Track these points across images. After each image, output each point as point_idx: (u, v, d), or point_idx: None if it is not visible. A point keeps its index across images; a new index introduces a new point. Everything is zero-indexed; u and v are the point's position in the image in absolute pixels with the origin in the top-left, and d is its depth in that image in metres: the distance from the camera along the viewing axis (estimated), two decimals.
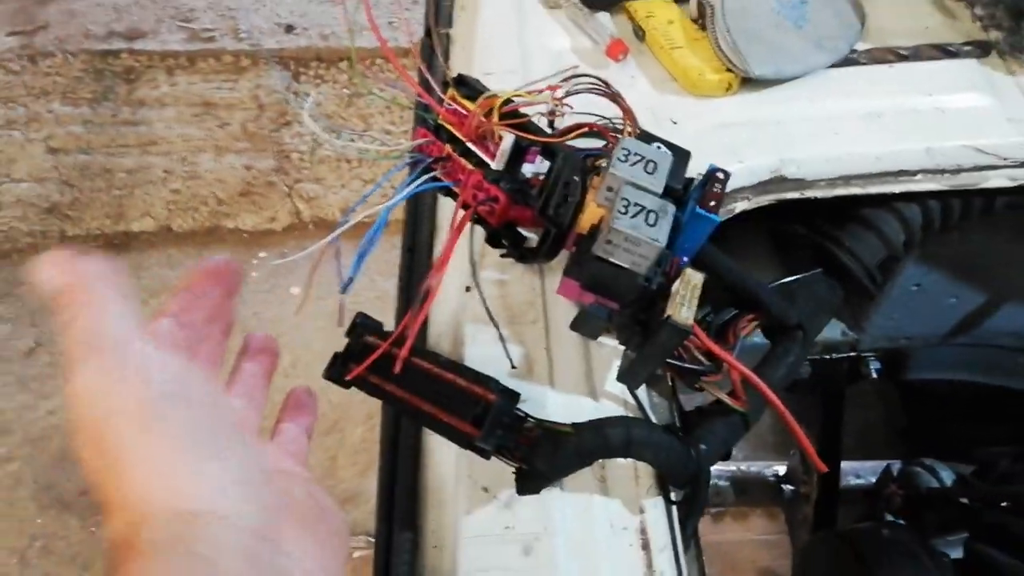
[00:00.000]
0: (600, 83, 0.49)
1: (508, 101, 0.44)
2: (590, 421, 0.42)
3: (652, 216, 0.41)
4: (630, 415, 0.46)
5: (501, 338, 0.50)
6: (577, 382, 0.49)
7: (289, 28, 2.37)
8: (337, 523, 0.36)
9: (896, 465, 0.92)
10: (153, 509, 0.28)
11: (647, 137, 0.45)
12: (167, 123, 2.15)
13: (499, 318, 0.52)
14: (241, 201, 2.01)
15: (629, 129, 0.47)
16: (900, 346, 0.91)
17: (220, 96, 2.20)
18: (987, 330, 0.89)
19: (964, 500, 0.77)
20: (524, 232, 0.48)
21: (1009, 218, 0.65)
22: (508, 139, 0.43)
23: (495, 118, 0.43)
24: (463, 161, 0.45)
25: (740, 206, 0.60)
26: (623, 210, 0.40)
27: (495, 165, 0.44)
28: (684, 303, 0.42)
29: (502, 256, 0.47)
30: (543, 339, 0.51)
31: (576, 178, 0.43)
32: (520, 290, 0.53)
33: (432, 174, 0.46)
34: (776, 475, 1.13)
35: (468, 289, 0.53)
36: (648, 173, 0.42)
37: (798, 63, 0.61)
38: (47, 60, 2.29)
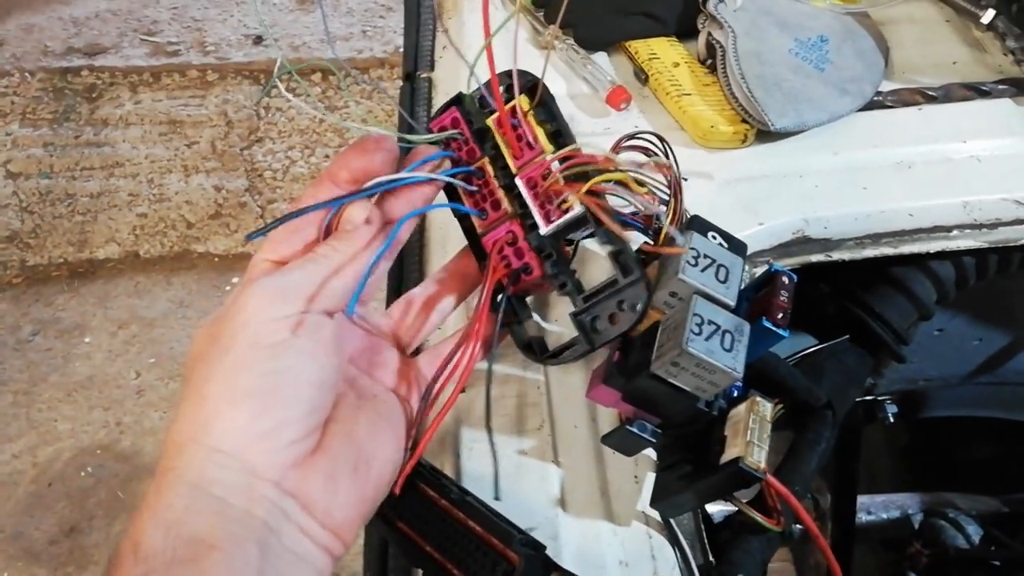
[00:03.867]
0: (659, 145, 0.39)
1: (612, 181, 0.35)
2: None
3: (728, 338, 0.34)
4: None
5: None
6: (592, 502, 0.43)
7: (258, 40, 2.28)
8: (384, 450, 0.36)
9: (915, 514, 0.87)
10: (183, 439, 0.31)
11: (702, 225, 0.38)
12: (132, 143, 2.05)
13: (495, 423, 0.45)
14: (212, 224, 1.92)
15: (673, 209, 0.38)
16: (918, 387, 0.86)
17: (187, 113, 2.10)
18: (1010, 368, 0.84)
19: (996, 562, 0.72)
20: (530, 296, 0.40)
21: None
22: (577, 211, 0.35)
23: (583, 190, 0.34)
24: (500, 195, 0.37)
25: (760, 272, 0.54)
26: (696, 330, 0.33)
27: (544, 230, 0.36)
28: (755, 441, 0.35)
29: (502, 326, 0.39)
30: (550, 450, 0.44)
31: (639, 307, 0.35)
32: (522, 388, 0.46)
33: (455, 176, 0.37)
34: None
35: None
36: (720, 281, 0.35)
37: (822, 111, 0.54)
38: (3, 79, 2.18)
